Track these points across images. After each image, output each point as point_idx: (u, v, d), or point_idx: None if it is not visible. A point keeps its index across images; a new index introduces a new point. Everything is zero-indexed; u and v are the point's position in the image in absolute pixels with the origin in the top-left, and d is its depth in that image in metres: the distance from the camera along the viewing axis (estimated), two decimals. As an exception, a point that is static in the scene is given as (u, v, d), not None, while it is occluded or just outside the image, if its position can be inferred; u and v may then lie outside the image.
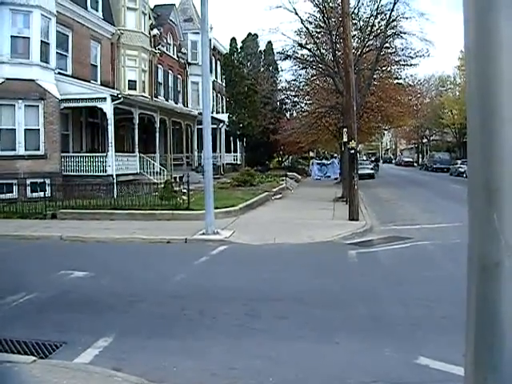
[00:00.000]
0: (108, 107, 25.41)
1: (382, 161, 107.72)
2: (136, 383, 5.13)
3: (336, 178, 42.58)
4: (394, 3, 28.31)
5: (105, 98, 25.56)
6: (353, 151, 19.10)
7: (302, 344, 6.51)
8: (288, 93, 42.75)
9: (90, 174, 25.29)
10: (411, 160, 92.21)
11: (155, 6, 41.85)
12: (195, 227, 15.86)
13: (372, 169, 54.31)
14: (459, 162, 51.25)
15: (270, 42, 44.94)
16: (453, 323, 6.10)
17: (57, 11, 25.46)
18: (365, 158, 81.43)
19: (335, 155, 62.65)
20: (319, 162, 51.54)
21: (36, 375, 5.17)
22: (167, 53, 41.58)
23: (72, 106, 26.32)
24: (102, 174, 25.25)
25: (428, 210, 21.92)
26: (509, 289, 1.10)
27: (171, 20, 42.71)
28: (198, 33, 38.28)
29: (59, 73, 26.09)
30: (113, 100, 25.50)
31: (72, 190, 22.54)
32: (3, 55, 23.09)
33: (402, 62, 34.40)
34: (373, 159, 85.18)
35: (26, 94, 23.46)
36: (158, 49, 38.72)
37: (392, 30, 30.14)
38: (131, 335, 6.91)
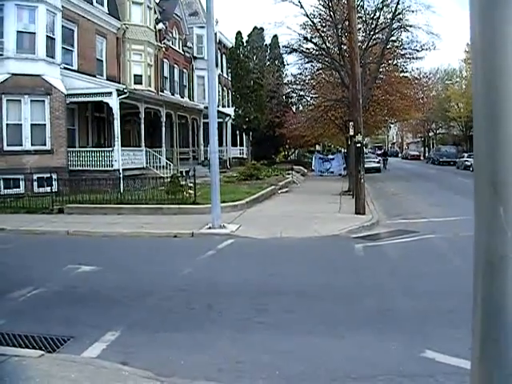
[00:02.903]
0: (114, 102, 25.45)
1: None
2: (143, 377, 5.15)
3: (340, 174, 42.10)
4: (400, -4, 28.20)
5: (111, 93, 25.61)
6: (359, 145, 19.06)
7: (308, 338, 6.51)
8: (294, 86, 42.63)
9: (96, 168, 25.38)
10: (417, 153, 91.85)
11: (160, 1, 41.80)
12: (202, 221, 15.89)
13: (378, 162, 53.85)
14: (466, 155, 51.01)
15: (275, 36, 44.89)
16: (459, 317, 6.11)
17: (62, 6, 25.50)
18: (366, 151, 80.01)
19: (340, 149, 62.22)
20: (322, 156, 49.85)
21: (44, 369, 5.20)
22: (173, 47, 41.55)
23: (78, 101, 26.40)
24: (108, 168, 25.32)
25: (434, 203, 21.87)
26: (515, 282, 1.10)
27: (176, 14, 42.67)
28: (203, 27, 38.28)
29: (65, 68, 26.15)
30: (119, 94, 25.54)
31: (78, 184, 22.60)
32: (9, 50, 23.15)
33: (407, 55, 34.28)
34: (379, 152, 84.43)
35: (32, 89, 23.52)
36: (164, 43, 38.70)
37: (398, 23, 30.02)
38: (138, 329, 6.94)
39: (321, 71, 36.87)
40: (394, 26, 29.72)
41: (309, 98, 43.54)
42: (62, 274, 10.18)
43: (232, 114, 44.47)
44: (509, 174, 1.10)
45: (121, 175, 23.72)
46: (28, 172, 22.94)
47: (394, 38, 31.52)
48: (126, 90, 26.44)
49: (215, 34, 33.41)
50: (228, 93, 53.49)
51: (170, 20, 40.99)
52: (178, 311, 7.75)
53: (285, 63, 46.06)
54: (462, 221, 14.58)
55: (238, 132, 47.46)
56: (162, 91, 38.67)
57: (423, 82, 47.00)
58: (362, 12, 30.47)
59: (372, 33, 29.44)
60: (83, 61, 29.08)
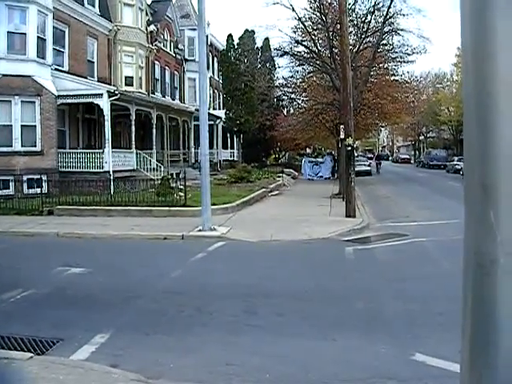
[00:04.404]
0: (105, 103, 25.38)
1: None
2: (133, 379, 5.13)
3: (329, 177, 41.92)
4: (392, 0, 28.32)
5: (101, 94, 25.54)
6: (349, 148, 19.10)
7: (299, 341, 6.52)
8: (285, 89, 42.75)
9: (86, 170, 25.31)
10: (408, 157, 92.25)
11: (152, 2, 41.75)
12: (192, 223, 15.87)
13: (369, 165, 53.78)
14: (456, 158, 51.24)
15: (267, 39, 44.95)
16: (449, 320, 6.13)
17: (53, 7, 25.39)
18: (357, 154, 78.80)
19: (330, 152, 62.07)
20: (311, 159, 49.03)
21: (33, 372, 5.17)
22: (164, 49, 41.50)
23: (69, 102, 26.30)
24: (98, 170, 25.24)
25: (425, 206, 21.94)
26: (504, 286, 1.11)
27: (168, 16, 42.62)
28: (194, 29, 38.22)
29: (56, 69, 26.05)
30: (109, 96, 25.47)
31: (69, 186, 22.54)
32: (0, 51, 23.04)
33: (398, 59, 34.48)
34: (370, 156, 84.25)
35: (22, 90, 23.40)
36: (155, 45, 38.64)
37: (389, 27, 30.16)
38: (128, 331, 6.91)
39: (312, 74, 36.98)
40: (386, 29, 29.87)
41: (300, 101, 43.70)
42: (51, 276, 10.13)
43: (223, 116, 44.50)
44: (499, 177, 1.10)
45: (111, 177, 23.66)
46: (18, 173, 22.82)
47: (385, 42, 31.70)
48: (116, 92, 26.38)
49: (206, 36, 33.38)
50: (219, 95, 53.49)
51: (162, 22, 40.94)
52: (168, 314, 7.73)
53: (276, 66, 46.09)
54: (451, 224, 14.63)
55: (228, 134, 47.47)
56: (153, 93, 38.61)
57: (414, 85, 47.25)
58: (354, 15, 30.60)
59: (363, 36, 29.59)
60: (74, 62, 28.98)
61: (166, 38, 42.13)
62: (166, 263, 11.61)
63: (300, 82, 38.77)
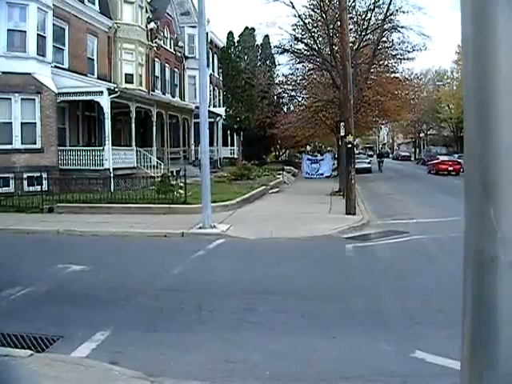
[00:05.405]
0: (105, 101, 25.37)
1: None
2: (133, 377, 5.13)
3: (329, 176, 41.47)
4: (392, -3, 28.34)
5: (102, 92, 25.52)
6: (350, 145, 19.09)
7: (299, 338, 6.52)
8: (285, 87, 42.76)
9: (86, 167, 25.29)
10: (408, 154, 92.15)
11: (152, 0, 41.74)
12: (192, 221, 15.86)
13: (369, 163, 53.52)
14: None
15: (267, 36, 44.99)
16: (449, 317, 6.13)
17: (53, 4, 25.34)
18: (357, 151, 77.16)
19: (329, 149, 61.90)
20: (310, 157, 47.57)
21: (33, 369, 5.17)
22: (164, 46, 41.46)
23: (69, 100, 26.28)
24: (98, 167, 25.23)
25: (425, 204, 21.95)
26: (504, 283, 1.11)
27: (168, 13, 42.60)
28: (195, 26, 38.16)
29: (56, 66, 26.03)
30: (110, 94, 25.45)
31: (69, 183, 22.53)
32: (-1, 49, 23.05)
33: (398, 56, 34.48)
34: (370, 153, 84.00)
35: (22, 87, 23.40)
36: (155, 42, 38.61)
37: (389, 24, 30.16)
38: (128, 329, 6.91)
39: (312, 72, 37.00)
40: (386, 26, 29.87)
41: (300, 99, 43.73)
42: (52, 274, 10.13)
43: (223, 113, 44.46)
44: (499, 174, 1.11)
45: (111, 174, 23.66)
46: (18, 171, 22.84)
47: (385, 39, 31.68)
48: (117, 89, 26.37)
49: (207, 33, 33.35)
50: (219, 93, 53.45)
51: (162, 19, 40.89)
52: (169, 311, 7.73)
53: (276, 63, 46.23)
54: (451, 221, 14.62)
55: (228, 132, 47.48)
56: (153, 91, 38.59)
57: (414, 82, 47.21)
58: (354, 13, 30.59)
59: (363, 34, 29.58)
60: (74, 59, 28.95)
61: (166, 35, 42.10)
62: (166, 261, 11.60)
63: (300, 80, 38.78)
